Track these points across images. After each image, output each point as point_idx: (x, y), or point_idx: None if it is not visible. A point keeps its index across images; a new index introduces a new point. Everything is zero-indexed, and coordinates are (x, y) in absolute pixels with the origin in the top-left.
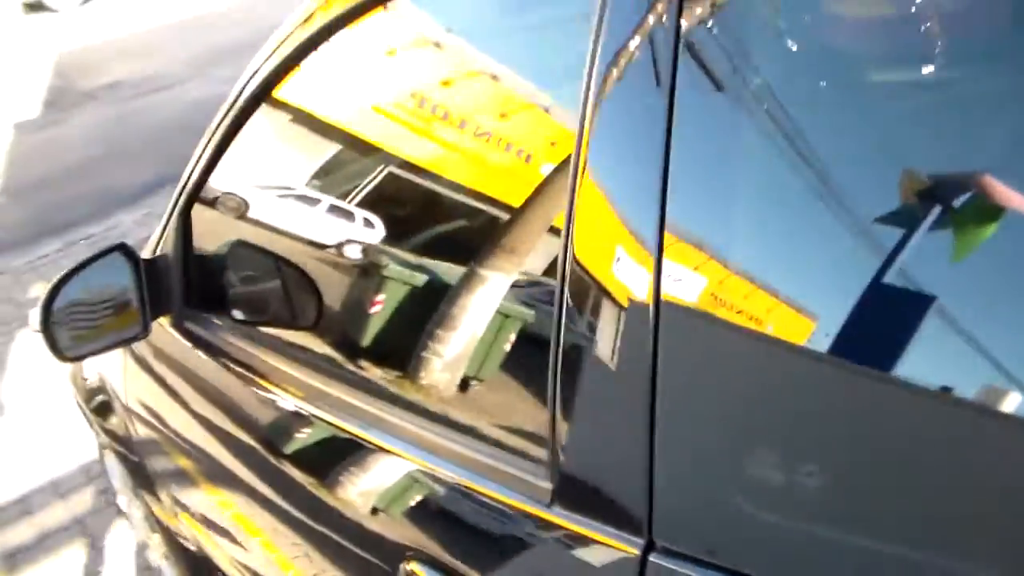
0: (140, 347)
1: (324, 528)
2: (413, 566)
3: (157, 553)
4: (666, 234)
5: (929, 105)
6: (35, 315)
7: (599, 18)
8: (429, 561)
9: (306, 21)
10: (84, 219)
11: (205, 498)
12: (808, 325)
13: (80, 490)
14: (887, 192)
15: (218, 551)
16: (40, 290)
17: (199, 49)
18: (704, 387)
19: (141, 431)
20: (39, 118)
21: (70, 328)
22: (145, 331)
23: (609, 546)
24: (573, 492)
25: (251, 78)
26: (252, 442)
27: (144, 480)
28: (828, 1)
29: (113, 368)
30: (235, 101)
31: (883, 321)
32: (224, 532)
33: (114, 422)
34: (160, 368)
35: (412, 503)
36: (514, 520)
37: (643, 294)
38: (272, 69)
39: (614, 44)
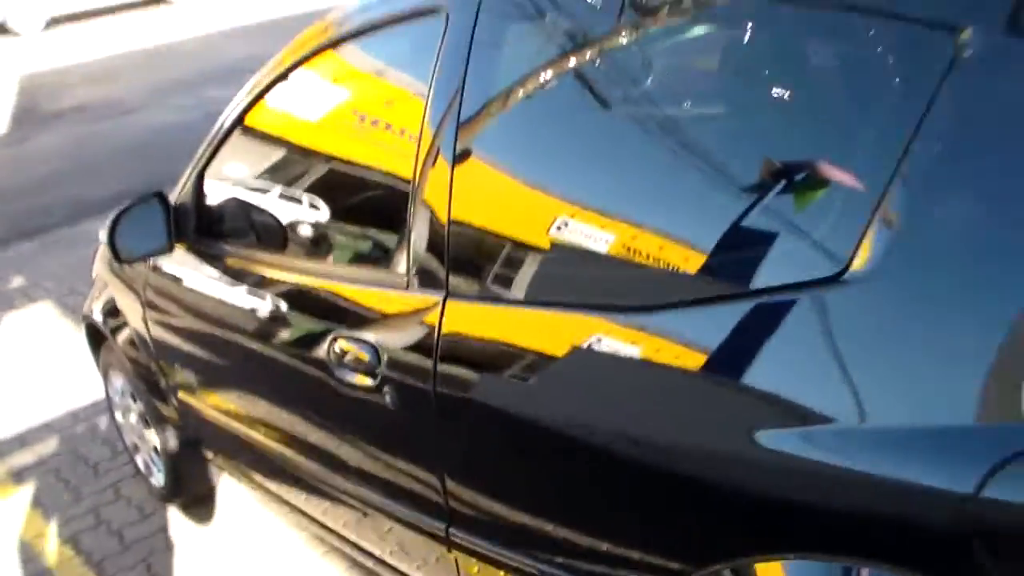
0: (161, 269)
1: (298, 379)
2: (341, 343)
3: (147, 448)
4: None
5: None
6: (103, 232)
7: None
8: (349, 337)
9: (279, 61)
10: (56, 224)
11: (210, 374)
12: None
13: (72, 427)
14: None
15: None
16: (19, 281)
17: (159, 78)
18: None
19: (156, 332)
20: (7, 135)
21: (125, 239)
22: (171, 248)
23: None
24: None
25: (242, 98)
26: (238, 319)
27: (150, 382)
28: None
29: (132, 299)
30: (229, 113)
31: None
32: (223, 400)
33: (126, 338)
34: (174, 280)
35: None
36: None
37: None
38: (255, 92)
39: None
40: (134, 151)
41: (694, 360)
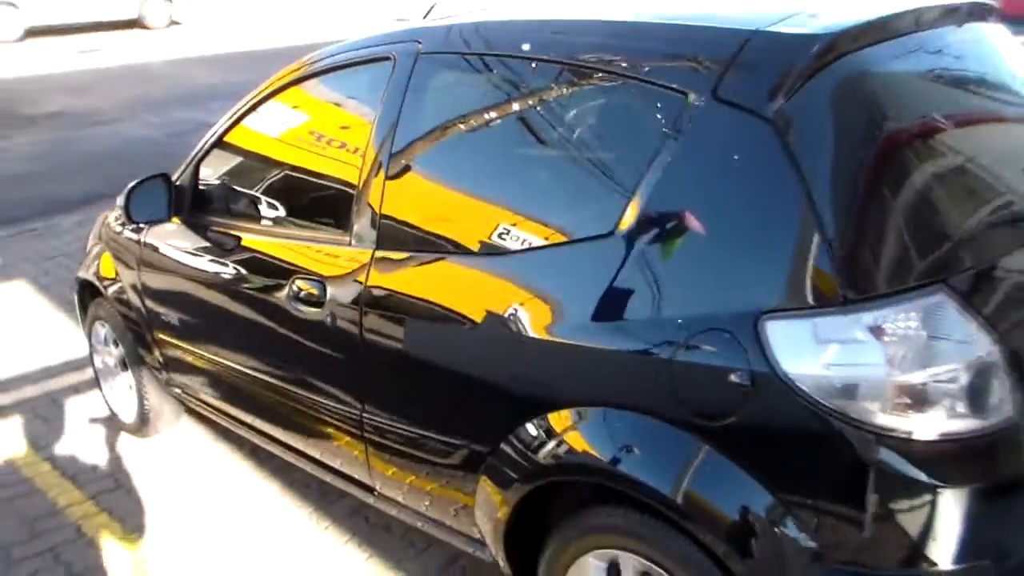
0: (156, 236)
1: (271, 324)
2: (299, 283)
3: (121, 389)
4: None
5: None
6: (121, 198)
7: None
8: (305, 277)
9: (264, 86)
10: (30, 217)
11: (199, 334)
12: None
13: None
14: None
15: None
16: None
17: (130, 95)
18: None
19: (148, 287)
20: None
21: (136, 207)
22: (169, 218)
23: None
24: None
25: (235, 109)
26: (219, 274)
27: (135, 330)
28: None
29: (130, 259)
30: (224, 118)
31: None
32: (200, 341)
33: (117, 293)
34: (168, 246)
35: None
36: None
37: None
38: (244, 107)
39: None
40: (103, 158)
41: (526, 283)
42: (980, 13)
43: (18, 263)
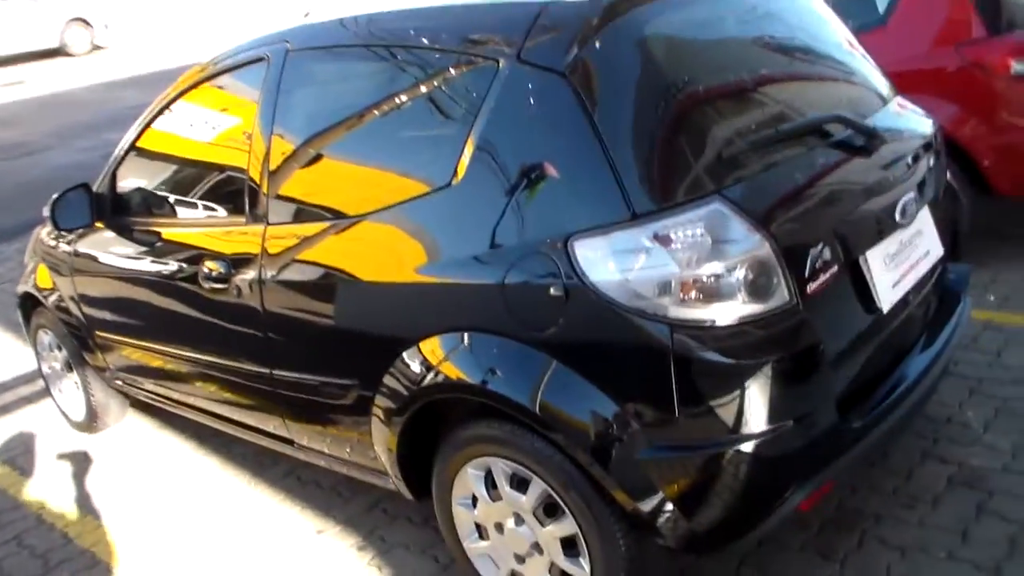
0: (84, 243)
1: (196, 314)
2: (208, 264)
3: (68, 390)
4: None
5: None
6: (46, 209)
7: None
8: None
9: (166, 94)
10: None
11: (129, 325)
12: None
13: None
14: None
15: (130, 353)
16: None
17: (60, 123)
18: None
19: (84, 290)
20: None
21: (61, 216)
22: (92, 223)
23: None
24: None
25: (140, 119)
26: (141, 269)
27: (76, 333)
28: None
29: (63, 269)
30: (132, 130)
31: None
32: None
33: (56, 301)
34: (95, 250)
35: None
36: None
37: None
38: (150, 116)
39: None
40: (39, 186)
41: (388, 235)
42: None
43: None
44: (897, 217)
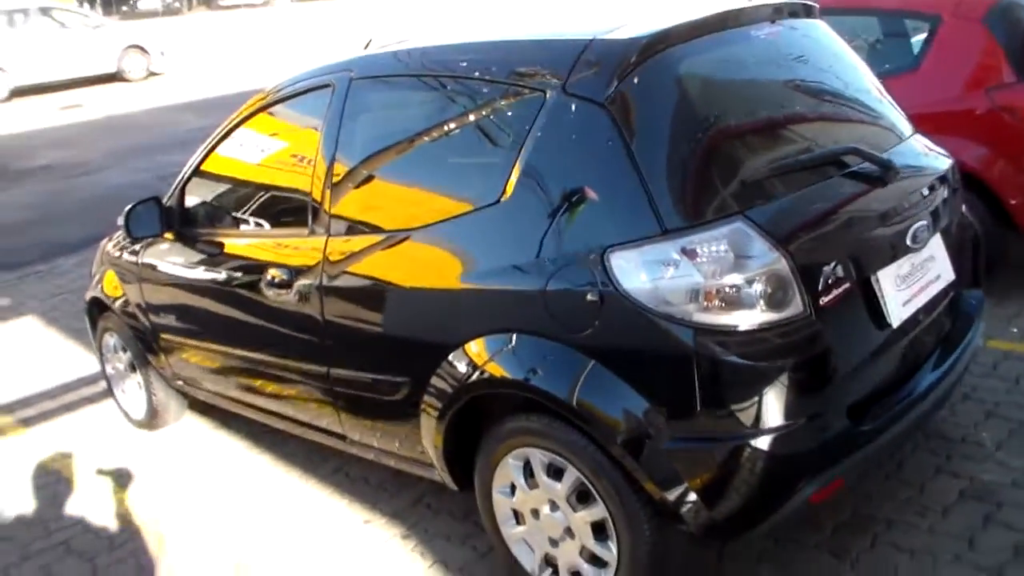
0: (150, 253)
1: (261, 323)
2: (271, 272)
3: (131, 390)
4: None
5: None
6: (120, 219)
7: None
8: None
9: (232, 118)
10: (32, 261)
11: (194, 329)
12: None
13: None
14: None
15: (193, 355)
16: (5, 302)
17: (116, 145)
18: None
19: (149, 296)
20: None
21: (134, 225)
22: (160, 234)
23: None
24: None
25: (208, 140)
26: (206, 276)
27: (141, 336)
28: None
29: (131, 276)
30: (197, 156)
31: None
32: (199, 338)
33: (123, 306)
34: (161, 260)
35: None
36: None
37: None
38: (217, 137)
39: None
40: (96, 204)
41: (441, 247)
42: (794, 12)
43: (27, 301)
44: (908, 242)
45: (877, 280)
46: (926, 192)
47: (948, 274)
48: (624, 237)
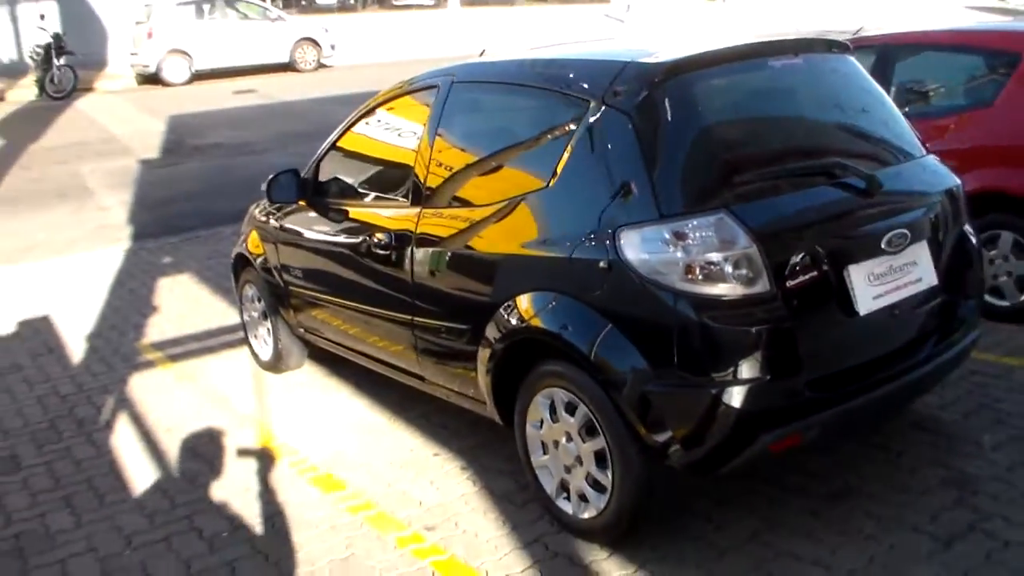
0: (288, 218)
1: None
2: (376, 234)
3: (263, 334)
4: None
5: None
6: (263, 185)
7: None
8: (379, 230)
9: (365, 106)
10: (194, 226)
11: (315, 283)
12: None
13: (207, 338)
14: None
15: (314, 306)
16: (168, 259)
17: (281, 130)
18: None
19: (283, 254)
20: (160, 160)
21: (274, 192)
22: (296, 200)
23: None
24: None
25: (344, 124)
26: (329, 239)
27: (274, 289)
28: None
29: (270, 238)
30: (332, 138)
31: None
32: (316, 290)
33: (262, 262)
34: (295, 224)
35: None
36: None
37: None
38: (349, 122)
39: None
40: (257, 181)
41: (504, 220)
42: (816, 47)
43: (186, 260)
44: (883, 246)
45: (848, 274)
46: (910, 206)
47: (931, 279)
48: (631, 219)
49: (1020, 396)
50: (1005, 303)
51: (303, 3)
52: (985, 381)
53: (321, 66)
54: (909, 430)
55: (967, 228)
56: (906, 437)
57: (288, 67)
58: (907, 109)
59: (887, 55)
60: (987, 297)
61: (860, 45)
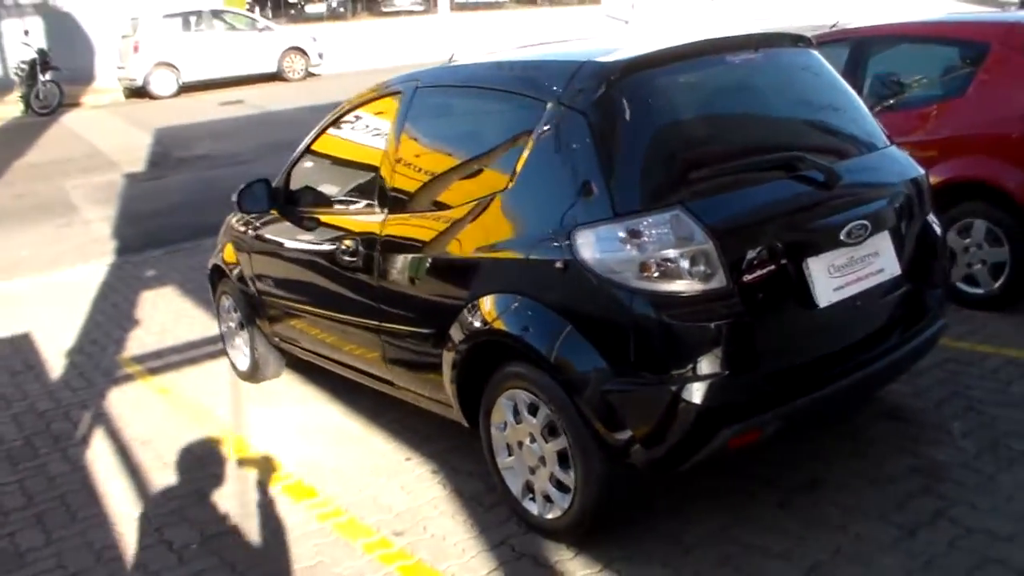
0: (262, 228)
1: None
2: (345, 241)
3: (239, 345)
4: None
5: None
6: (234, 196)
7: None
8: (348, 237)
9: (333, 113)
10: (179, 239)
11: (288, 292)
12: None
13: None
14: None
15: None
16: (152, 272)
17: (270, 139)
18: None
19: (256, 263)
20: (146, 172)
21: (245, 201)
22: (267, 209)
23: None
24: None
25: (312, 133)
26: (300, 248)
27: (249, 300)
28: None
29: (244, 249)
30: (305, 143)
31: None
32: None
33: (237, 273)
34: (268, 233)
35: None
36: None
37: None
38: (318, 130)
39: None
40: None
41: (464, 223)
42: (778, 42)
43: (169, 273)
44: (843, 237)
45: (808, 266)
46: (870, 197)
47: (893, 269)
48: (587, 219)
49: (992, 383)
50: (979, 291)
51: (292, 12)
52: (958, 369)
53: (309, 75)
54: (880, 419)
55: (931, 217)
56: (876, 426)
57: (276, 77)
58: (891, 101)
59: (861, 48)
60: (961, 285)
61: (835, 39)
